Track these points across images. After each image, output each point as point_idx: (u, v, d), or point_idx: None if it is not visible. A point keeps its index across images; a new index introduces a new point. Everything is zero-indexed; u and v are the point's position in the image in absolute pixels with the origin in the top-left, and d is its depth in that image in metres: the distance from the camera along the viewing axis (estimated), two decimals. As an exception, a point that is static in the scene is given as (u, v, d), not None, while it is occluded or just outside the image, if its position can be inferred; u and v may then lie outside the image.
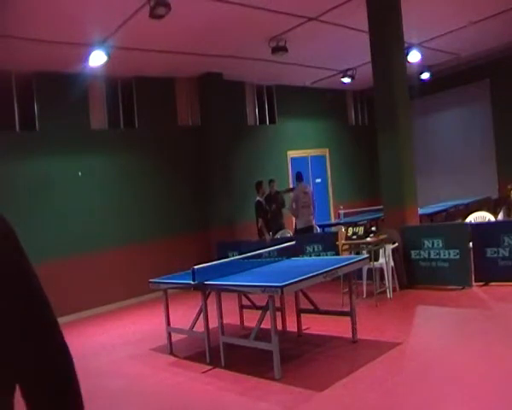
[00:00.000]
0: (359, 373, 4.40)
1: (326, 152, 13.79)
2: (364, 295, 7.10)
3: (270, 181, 10.45)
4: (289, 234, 10.12)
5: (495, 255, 6.88)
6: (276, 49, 8.90)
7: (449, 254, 7.09)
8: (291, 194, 10.59)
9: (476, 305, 6.29)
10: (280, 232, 9.99)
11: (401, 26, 7.68)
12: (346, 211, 12.03)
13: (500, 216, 8.09)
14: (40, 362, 0.93)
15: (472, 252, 7.03)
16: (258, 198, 10.21)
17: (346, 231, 7.38)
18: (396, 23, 7.67)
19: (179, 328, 6.01)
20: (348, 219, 10.88)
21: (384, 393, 3.96)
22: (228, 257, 8.46)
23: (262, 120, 12.38)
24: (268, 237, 9.79)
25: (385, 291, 7.09)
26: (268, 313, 4.60)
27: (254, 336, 4.81)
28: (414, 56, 10.18)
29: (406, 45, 8.70)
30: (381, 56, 7.75)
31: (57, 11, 6.43)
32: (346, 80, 11.95)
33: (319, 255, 8.39)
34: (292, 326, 5.89)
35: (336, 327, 5.65)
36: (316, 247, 8.59)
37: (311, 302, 5.72)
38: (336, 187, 13.82)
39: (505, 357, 4.32)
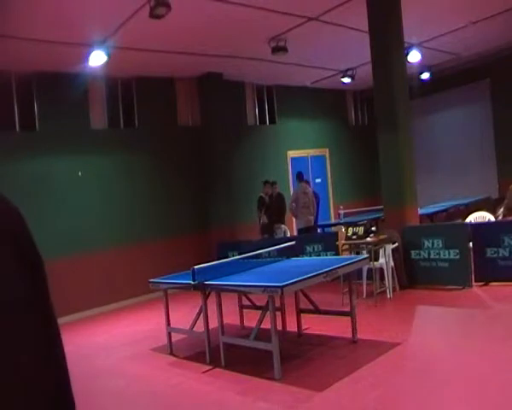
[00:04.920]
0: (359, 373, 4.40)
1: (326, 152, 13.79)
2: (364, 295, 7.10)
3: (273, 183, 10.55)
4: (287, 230, 10.23)
5: (495, 255, 6.88)
6: (276, 49, 8.90)
7: (449, 254, 7.09)
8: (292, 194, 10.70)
9: (476, 305, 6.29)
10: (276, 226, 10.15)
11: (401, 26, 7.67)
12: (346, 211, 12.03)
13: (500, 212, 8.09)
14: None
15: (472, 252, 7.03)
16: (261, 194, 10.42)
17: (346, 231, 7.38)
18: (396, 23, 7.67)
19: (179, 328, 6.01)
20: (348, 219, 10.87)
21: (384, 393, 3.96)
22: (228, 257, 8.46)
23: (262, 120, 12.38)
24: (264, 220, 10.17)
25: (385, 291, 7.08)
26: (268, 313, 4.60)
27: (254, 336, 4.81)
28: (414, 56, 10.18)
29: (406, 45, 8.69)
30: (381, 56, 7.74)
31: (57, 11, 6.43)
32: (346, 80, 11.95)
33: (319, 255, 8.39)
34: (292, 326, 5.89)
35: (336, 327, 5.65)
36: (316, 247, 8.60)
37: (311, 302, 5.72)
38: (336, 187, 13.82)
39: (505, 357, 4.32)
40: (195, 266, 5.25)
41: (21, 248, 0.66)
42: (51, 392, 0.67)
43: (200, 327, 5.50)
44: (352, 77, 11.84)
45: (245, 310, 6.47)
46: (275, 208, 10.35)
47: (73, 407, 0.71)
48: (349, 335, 5.31)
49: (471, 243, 7.05)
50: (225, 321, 5.36)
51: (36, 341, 0.66)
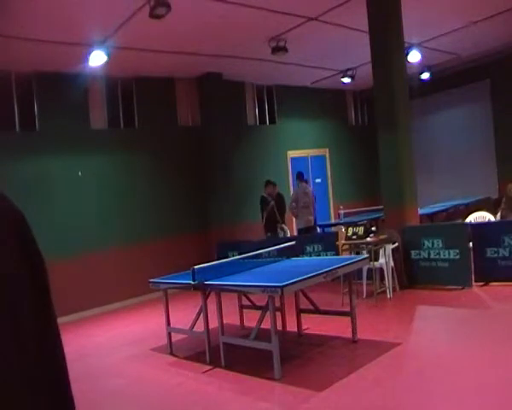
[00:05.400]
0: (359, 373, 4.40)
1: (326, 152, 13.79)
2: (364, 295, 7.10)
3: (274, 184, 10.57)
4: (287, 230, 10.22)
5: (495, 255, 6.88)
6: (276, 49, 8.90)
7: (449, 254, 7.09)
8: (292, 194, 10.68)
9: (476, 305, 6.29)
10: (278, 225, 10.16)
11: (401, 25, 7.68)
12: (346, 211, 12.03)
13: (498, 216, 8.11)
14: None
15: (472, 252, 7.04)
16: (262, 194, 10.42)
17: (346, 231, 7.38)
18: (396, 23, 7.67)
19: (179, 328, 6.01)
20: (348, 219, 10.88)
21: (384, 393, 3.96)
22: (228, 257, 8.46)
23: (262, 120, 12.38)
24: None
25: (385, 291, 7.08)
26: (268, 313, 4.60)
27: (254, 336, 4.81)
28: (414, 56, 10.18)
29: (406, 45, 8.70)
30: (381, 56, 7.74)
31: (57, 11, 6.43)
32: (346, 80, 11.95)
33: (319, 255, 8.39)
34: (292, 326, 5.89)
35: (336, 327, 5.65)
36: (316, 247, 8.60)
37: (311, 302, 5.72)
38: (336, 187, 13.82)
39: (505, 357, 4.32)
40: (195, 266, 5.25)
41: (24, 245, 0.67)
42: (51, 392, 0.67)
43: (200, 327, 5.50)
44: (352, 77, 11.84)
45: (245, 310, 6.47)
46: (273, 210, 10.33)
47: (73, 407, 0.72)
48: (349, 335, 5.31)
49: (471, 243, 7.05)
50: (225, 321, 5.35)
51: (36, 340, 0.66)
